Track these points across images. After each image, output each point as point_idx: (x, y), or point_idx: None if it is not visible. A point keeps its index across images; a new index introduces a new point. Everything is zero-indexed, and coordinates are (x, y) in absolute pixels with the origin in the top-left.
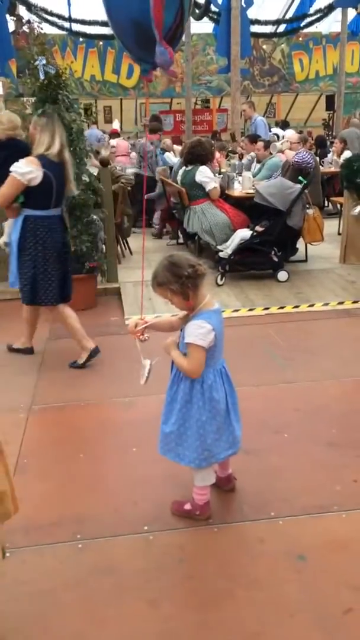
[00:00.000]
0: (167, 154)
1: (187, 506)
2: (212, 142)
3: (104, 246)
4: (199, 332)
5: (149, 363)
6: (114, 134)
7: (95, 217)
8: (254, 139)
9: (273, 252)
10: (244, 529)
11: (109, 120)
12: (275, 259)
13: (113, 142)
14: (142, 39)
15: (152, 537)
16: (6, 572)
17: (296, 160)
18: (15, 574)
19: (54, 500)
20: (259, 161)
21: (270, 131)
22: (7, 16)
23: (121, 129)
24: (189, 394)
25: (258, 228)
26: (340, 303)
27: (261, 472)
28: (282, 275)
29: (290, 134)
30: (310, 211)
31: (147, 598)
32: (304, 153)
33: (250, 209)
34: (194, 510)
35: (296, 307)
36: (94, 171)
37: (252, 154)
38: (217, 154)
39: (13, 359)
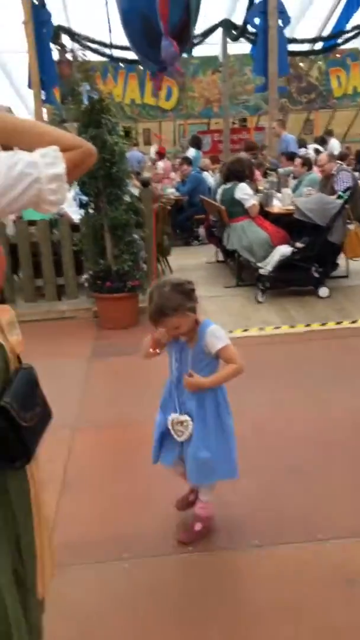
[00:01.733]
0: (204, 173)
1: (198, 527)
2: (250, 159)
3: (145, 265)
4: (221, 333)
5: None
6: (161, 154)
7: (136, 236)
8: (291, 156)
9: (314, 268)
10: (289, 552)
11: (148, 142)
12: (316, 275)
13: (160, 163)
14: (149, 34)
15: (197, 558)
16: (52, 589)
17: (338, 189)
18: (61, 592)
19: (100, 518)
20: (295, 178)
21: (306, 147)
22: (52, 45)
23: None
24: (216, 409)
25: (298, 244)
26: None
27: (306, 492)
28: (323, 291)
29: (337, 144)
30: (351, 226)
31: (194, 621)
32: (343, 179)
33: (289, 225)
34: (205, 527)
35: (338, 323)
36: (135, 192)
37: (288, 169)
38: (256, 172)
39: (57, 375)
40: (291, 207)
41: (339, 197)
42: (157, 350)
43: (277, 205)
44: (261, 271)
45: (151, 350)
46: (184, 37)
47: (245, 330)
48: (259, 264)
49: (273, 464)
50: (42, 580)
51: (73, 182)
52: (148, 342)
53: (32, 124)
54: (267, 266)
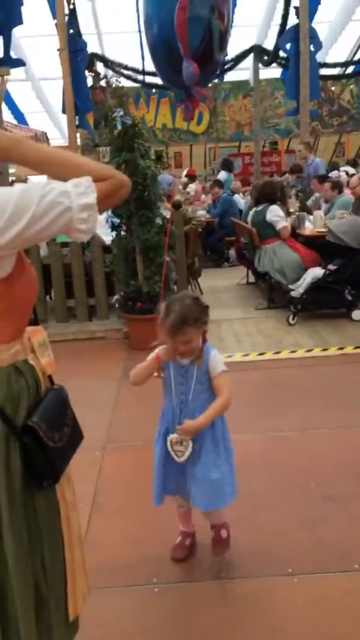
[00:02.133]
0: (235, 195)
1: (224, 533)
2: (282, 182)
3: (175, 287)
4: (221, 358)
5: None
6: (191, 176)
7: (167, 258)
8: (322, 179)
9: (347, 291)
10: (327, 581)
11: (178, 166)
12: (349, 298)
13: (192, 186)
14: (172, 60)
15: (230, 584)
16: (82, 612)
17: None
18: (90, 615)
19: (130, 540)
20: (326, 201)
21: (338, 170)
22: (86, 72)
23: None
24: (223, 428)
25: (331, 266)
26: None
27: (342, 520)
28: (356, 314)
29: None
30: None
31: None
32: None
33: (321, 247)
34: (228, 532)
35: None
36: (167, 214)
37: (317, 194)
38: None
39: (87, 396)
40: (323, 230)
41: None
42: (161, 374)
43: (308, 228)
44: (293, 293)
45: (156, 374)
46: (207, 60)
47: (277, 352)
48: (291, 286)
49: (306, 492)
50: (73, 601)
51: (105, 210)
52: (151, 365)
53: (70, 156)
54: (298, 288)
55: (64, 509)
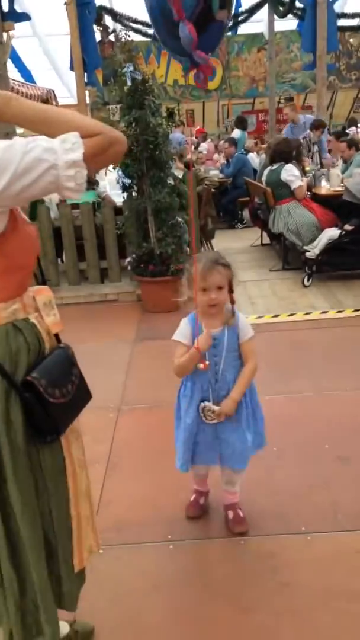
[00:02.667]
0: (249, 154)
1: (242, 512)
2: (299, 139)
3: (188, 248)
4: (249, 323)
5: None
6: (201, 134)
7: (179, 219)
8: (339, 136)
9: None
10: (340, 539)
11: (191, 124)
12: None
13: (204, 145)
14: (170, 26)
15: (243, 542)
16: (100, 568)
17: None
18: (108, 571)
19: (145, 499)
20: (345, 161)
21: (356, 126)
22: (94, 26)
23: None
24: (251, 388)
25: (347, 227)
26: None
27: (356, 480)
28: None
29: None
30: None
31: (240, 604)
32: None
33: (338, 207)
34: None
35: None
36: (179, 174)
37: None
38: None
39: (101, 358)
40: (339, 189)
41: None
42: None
43: (324, 187)
44: (308, 255)
45: (202, 365)
46: (206, 21)
47: (292, 314)
48: (306, 247)
49: (321, 453)
50: (79, 554)
51: (99, 169)
52: (194, 356)
53: (60, 112)
54: (314, 249)
55: (70, 465)
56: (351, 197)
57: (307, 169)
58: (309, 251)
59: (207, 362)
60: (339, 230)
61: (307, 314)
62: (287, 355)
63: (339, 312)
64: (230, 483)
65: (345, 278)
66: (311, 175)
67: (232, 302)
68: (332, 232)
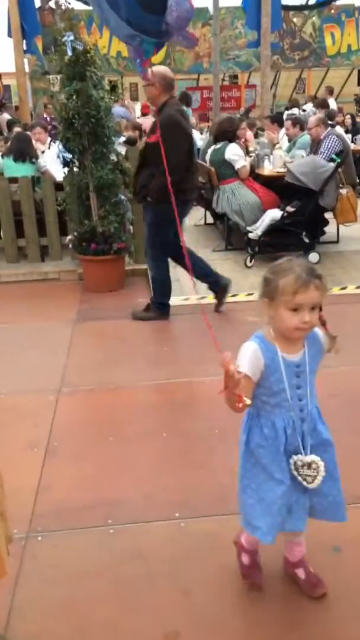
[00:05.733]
0: (193, 132)
1: (311, 569)
2: (242, 118)
3: (131, 227)
4: None
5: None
6: (144, 113)
7: (123, 197)
8: (275, 119)
9: (304, 234)
10: None
11: (134, 98)
12: (307, 241)
13: (146, 122)
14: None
15: (184, 524)
16: (38, 555)
17: (322, 152)
18: (46, 557)
19: (84, 484)
20: (290, 139)
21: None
22: None
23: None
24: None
25: (289, 208)
26: None
27: None
28: (313, 257)
29: (334, 105)
30: (343, 191)
31: (180, 586)
32: (331, 142)
33: (281, 188)
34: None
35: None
36: (122, 150)
37: (263, 140)
38: (248, 132)
39: (41, 339)
40: (282, 170)
41: (332, 160)
42: (246, 400)
43: (268, 168)
44: (251, 235)
45: (238, 397)
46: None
47: (234, 295)
48: (249, 228)
49: None
50: None
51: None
52: (235, 381)
53: None
54: (256, 230)
55: None
56: (293, 178)
57: (251, 149)
58: (251, 232)
59: (247, 401)
60: (281, 212)
61: (249, 294)
62: (231, 337)
63: None
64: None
65: None
66: (254, 155)
67: (324, 323)
68: (275, 214)
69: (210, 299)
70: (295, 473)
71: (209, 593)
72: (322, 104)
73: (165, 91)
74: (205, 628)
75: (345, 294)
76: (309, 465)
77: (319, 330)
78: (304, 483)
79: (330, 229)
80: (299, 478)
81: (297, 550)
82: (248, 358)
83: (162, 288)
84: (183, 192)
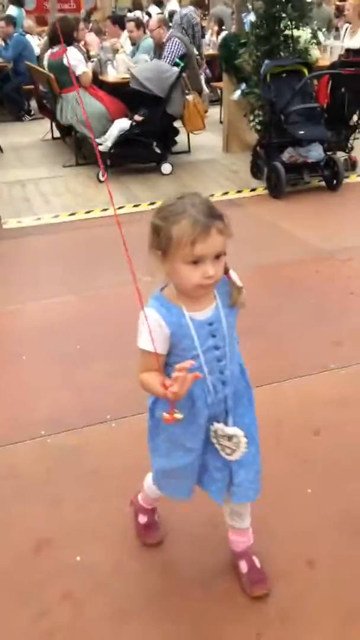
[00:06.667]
0: (29, 36)
1: (257, 560)
2: (79, 18)
3: None
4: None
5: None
6: None
7: None
8: (116, 21)
9: (155, 144)
10: (142, 420)
11: None
12: (158, 151)
13: None
14: None
15: (50, 440)
16: None
17: (166, 55)
18: None
19: None
20: (133, 43)
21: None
22: None
23: None
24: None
25: (137, 117)
26: (225, 193)
27: None
28: (166, 167)
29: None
30: (189, 97)
31: (51, 497)
32: (173, 45)
33: (127, 96)
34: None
35: None
36: None
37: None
38: (89, 36)
39: None
40: (127, 76)
41: (176, 64)
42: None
43: (112, 74)
44: (101, 148)
45: (169, 416)
46: None
47: (89, 212)
48: (98, 140)
49: (119, 346)
50: None
51: None
52: (162, 396)
53: None
54: (106, 142)
55: None
56: (138, 84)
57: (92, 53)
58: (101, 144)
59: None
60: (130, 121)
61: (104, 210)
62: (86, 254)
63: (135, 206)
64: (238, 515)
65: (139, 172)
66: (96, 60)
67: (226, 271)
68: (123, 123)
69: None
70: (214, 440)
71: (79, 500)
72: (159, 3)
73: None
74: (77, 532)
75: None
76: (230, 437)
77: (233, 272)
78: (222, 453)
79: (181, 139)
80: (218, 447)
81: (239, 539)
82: (148, 331)
83: None
84: None
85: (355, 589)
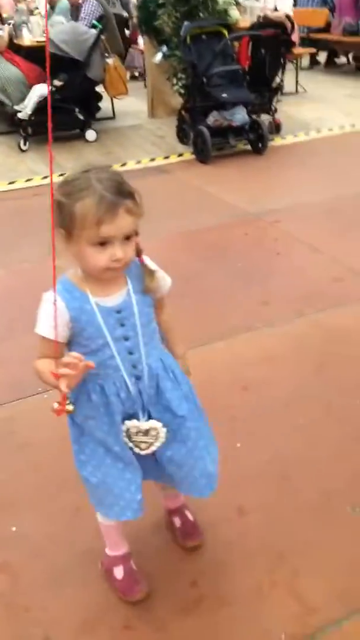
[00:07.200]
0: None
1: (191, 514)
2: None
3: None
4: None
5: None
6: None
7: None
8: None
9: (77, 110)
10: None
11: None
12: (81, 117)
13: None
14: None
15: None
16: None
17: (82, 17)
18: None
19: None
20: (52, 6)
21: None
22: None
23: None
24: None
25: (56, 82)
26: (152, 160)
27: None
28: (90, 134)
29: None
30: (110, 60)
31: None
32: (90, 6)
33: (44, 61)
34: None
35: None
36: None
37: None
38: None
39: None
40: (43, 40)
41: (93, 27)
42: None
43: (27, 38)
44: (20, 115)
45: (60, 407)
46: None
47: (12, 183)
48: (17, 107)
49: None
50: None
51: None
52: (53, 385)
53: None
54: (25, 109)
55: None
56: (55, 48)
57: (5, 16)
58: (20, 111)
59: (71, 409)
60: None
61: (27, 180)
62: (11, 226)
63: (61, 175)
64: (172, 490)
65: (63, 140)
66: (11, 24)
67: (139, 252)
68: (42, 89)
69: None
70: (126, 439)
71: (12, 473)
72: None
73: None
74: (11, 503)
75: (125, 170)
76: (146, 432)
77: (147, 259)
78: (136, 450)
79: (104, 105)
80: (130, 444)
81: (172, 500)
82: (47, 316)
83: None
84: None
85: (284, 532)
